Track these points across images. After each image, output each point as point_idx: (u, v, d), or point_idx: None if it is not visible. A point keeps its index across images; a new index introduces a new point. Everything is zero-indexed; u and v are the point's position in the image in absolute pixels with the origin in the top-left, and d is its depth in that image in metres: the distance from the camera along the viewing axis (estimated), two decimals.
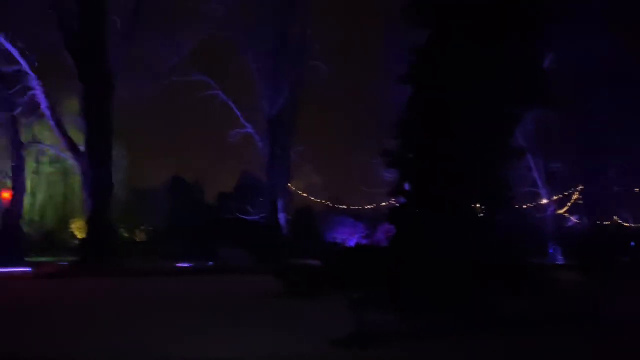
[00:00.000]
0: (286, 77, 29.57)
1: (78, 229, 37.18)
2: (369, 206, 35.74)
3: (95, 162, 22.33)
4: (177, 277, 19.52)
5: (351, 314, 9.96)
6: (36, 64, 22.84)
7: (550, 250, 32.26)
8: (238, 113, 31.56)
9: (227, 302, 12.34)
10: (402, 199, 13.18)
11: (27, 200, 30.66)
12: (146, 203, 39.40)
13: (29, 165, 30.86)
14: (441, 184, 12.03)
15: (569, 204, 35.12)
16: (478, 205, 12.80)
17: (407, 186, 12.93)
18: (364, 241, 36.06)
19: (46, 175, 33.89)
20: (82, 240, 24.37)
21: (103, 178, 22.34)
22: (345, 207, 36.92)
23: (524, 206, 32.49)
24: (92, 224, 22.47)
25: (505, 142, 12.39)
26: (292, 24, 30.24)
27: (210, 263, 24.84)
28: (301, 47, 30.64)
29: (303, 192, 33.62)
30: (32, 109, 24.93)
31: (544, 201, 34.07)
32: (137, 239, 42.83)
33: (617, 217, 36.81)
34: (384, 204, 35.01)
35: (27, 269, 21.17)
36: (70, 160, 26.43)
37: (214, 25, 30.07)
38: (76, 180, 30.44)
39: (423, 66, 12.32)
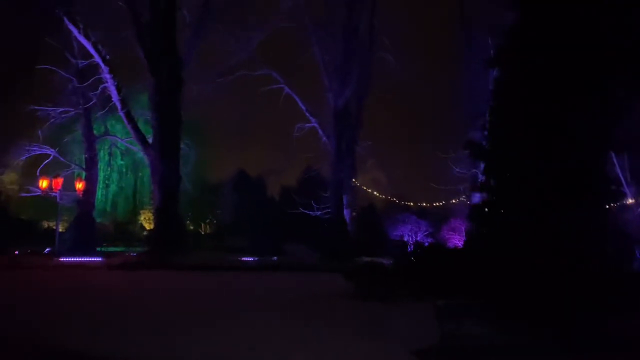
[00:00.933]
0: (353, 69, 28.68)
1: (147, 220, 38.38)
2: (436, 204, 34.24)
3: (163, 154, 22.48)
4: (244, 272, 19.17)
5: (434, 322, 9.04)
6: (108, 57, 23.23)
7: (638, 256, 29.54)
8: (303, 107, 31.04)
9: (298, 303, 11.68)
10: (485, 196, 11.98)
11: (99, 192, 31.70)
12: (212, 196, 39.91)
13: (102, 157, 31.92)
14: (532, 179, 10.76)
15: None
16: (572, 205, 11.41)
17: (492, 182, 11.74)
18: (428, 240, 34.60)
19: (118, 167, 34.86)
20: (149, 231, 24.67)
21: (171, 170, 22.46)
22: (411, 204, 35.60)
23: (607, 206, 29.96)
24: (159, 216, 22.67)
25: (610, 133, 10.87)
26: (360, 15, 29.24)
27: (275, 258, 24.45)
28: (369, 38, 29.63)
29: (367, 188, 32.56)
30: (105, 102, 25.50)
31: (630, 201, 31.30)
32: (203, 232, 43.70)
33: None
34: (453, 201, 33.49)
35: (100, 259, 21.60)
36: (140, 153, 26.97)
37: (281, 18, 29.71)
38: (146, 172, 31.20)
39: (514, 47, 11.06)
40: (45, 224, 34.66)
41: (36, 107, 25.72)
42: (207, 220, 45.08)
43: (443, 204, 36.87)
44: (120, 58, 24.72)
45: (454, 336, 7.80)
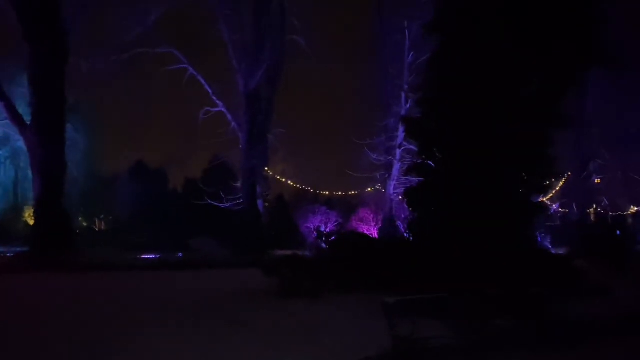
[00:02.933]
0: (265, 49, 26.75)
1: (31, 217, 34.22)
2: (352, 192, 33.57)
3: (43, 137, 19.16)
4: (143, 272, 16.70)
5: (377, 321, 7.66)
6: None
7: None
8: (209, 89, 28.60)
9: (214, 306, 9.72)
10: (422, 178, 10.88)
11: None
12: (107, 190, 36.33)
13: None
14: (475, 156, 9.80)
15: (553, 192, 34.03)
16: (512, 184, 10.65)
17: (430, 162, 10.64)
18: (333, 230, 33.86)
19: None
20: (32, 228, 21.21)
21: (53, 156, 19.21)
22: (325, 193, 34.59)
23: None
24: (40, 209, 19.38)
25: (554, 108, 10.14)
26: None
27: (180, 255, 22.04)
28: (279, 19, 27.84)
29: (281, 178, 30.94)
30: None
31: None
32: (97, 229, 40.06)
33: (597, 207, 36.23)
34: (369, 189, 33.01)
35: None
36: (22, 142, 23.24)
37: None
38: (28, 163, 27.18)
39: (453, 11, 9.98)
40: None
41: None
42: (102, 216, 41.39)
43: (357, 192, 36.40)
44: None
45: (407, 339, 6.43)
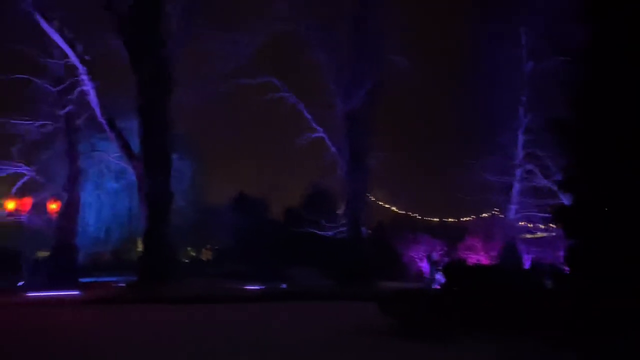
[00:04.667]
0: (364, 69, 25.69)
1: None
2: (465, 218, 31.03)
3: (150, 165, 19.34)
4: (247, 304, 15.78)
5: None
6: (88, 58, 20.21)
7: None
8: (308, 116, 27.96)
9: (330, 345, 8.28)
10: (575, 195, 8.78)
11: (92, 217, 28.84)
12: (212, 220, 36.96)
13: (91, 179, 28.95)
14: None
15: None
16: None
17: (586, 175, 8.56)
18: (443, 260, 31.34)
19: (110, 190, 31.90)
20: (138, 258, 21.38)
21: (160, 185, 19.26)
22: (435, 220, 32.32)
23: None
24: (148, 239, 19.40)
25: None
26: (371, 12, 26.40)
27: (284, 286, 21.08)
28: (377, 37, 26.71)
29: (384, 203, 29.25)
30: (83, 107, 22.36)
31: None
32: (204, 258, 40.92)
33: None
34: (484, 215, 30.43)
35: (76, 293, 18.24)
36: (133, 176, 23.91)
37: (279, 22, 26.93)
38: None
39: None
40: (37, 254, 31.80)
41: (11, 121, 22.60)
42: (208, 246, 42.40)
43: (468, 218, 33.90)
44: (101, 65, 21.72)
45: None
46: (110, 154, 26.67)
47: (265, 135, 35.78)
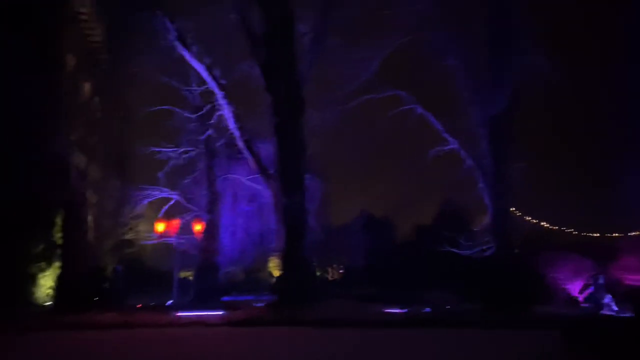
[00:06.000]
0: (502, 75, 23.66)
1: (274, 267, 36.72)
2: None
3: (286, 185, 19.31)
4: (391, 329, 14.65)
5: None
6: (224, 82, 20.93)
7: None
8: (439, 127, 26.42)
9: None
10: None
11: (227, 238, 30.25)
12: (337, 239, 36.76)
13: (228, 203, 30.35)
14: None
15: None
16: None
17: None
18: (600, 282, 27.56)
19: (243, 213, 33.32)
20: (277, 278, 21.48)
21: (296, 204, 19.12)
22: (597, 235, 28.90)
23: None
24: (286, 259, 19.21)
25: None
26: (509, 12, 24.42)
27: (428, 310, 19.66)
28: (519, 38, 24.49)
29: (532, 219, 26.61)
30: (219, 132, 23.37)
31: None
32: (330, 278, 40.87)
33: None
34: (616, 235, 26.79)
35: (221, 313, 18.48)
36: (266, 198, 24.46)
37: (405, 32, 25.94)
38: (273, 217, 28.95)
39: None
40: (181, 274, 34.12)
41: (156, 149, 24.34)
42: (334, 266, 42.33)
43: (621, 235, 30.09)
44: (233, 90, 22.50)
45: None
46: (244, 177, 27.76)
47: (391, 151, 34.90)
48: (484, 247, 22.93)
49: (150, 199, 24.84)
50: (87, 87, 20.17)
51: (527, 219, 27.40)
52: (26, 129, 16.53)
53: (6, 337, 12.79)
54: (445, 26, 25.04)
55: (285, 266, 19.56)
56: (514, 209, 25.18)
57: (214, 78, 20.60)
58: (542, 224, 28.16)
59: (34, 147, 16.86)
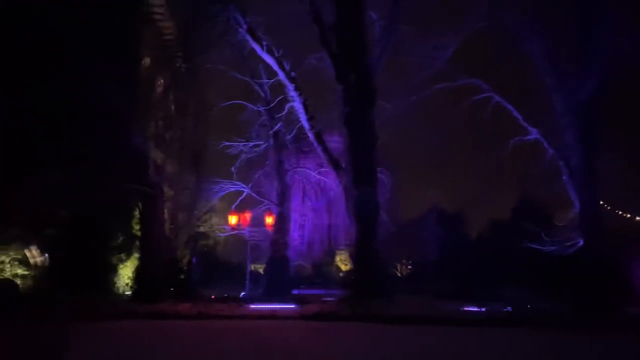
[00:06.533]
0: (590, 60, 21.84)
1: (341, 261, 36.87)
2: None
3: (357, 177, 18.85)
4: (468, 327, 13.86)
5: None
6: (294, 74, 20.76)
7: None
8: (519, 116, 24.89)
9: None
10: None
11: (296, 232, 30.67)
12: (407, 233, 35.97)
13: (297, 196, 30.58)
14: None
15: None
16: None
17: None
18: None
19: (311, 207, 33.48)
20: (346, 273, 21.10)
21: (367, 197, 18.62)
22: None
23: None
24: (360, 252, 18.77)
25: None
26: None
27: (509, 309, 18.59)
28: (608, 18, 22.45)
29: (623, 213, 24.51)
30: (289, 125, 23.32)
31: None
32: (399, 274, 40.25)
33: None
34: None
35: (293, 306, 18.40)
36: (333, 192, 24.31)
37: (482, 18, 24.61)
38: (340, 211, 28.83)
39: None
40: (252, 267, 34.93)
41: (228, 143, 24.74)
42: (403, 261, 41.70)
43: None
44: (306, 83, 22.30)
45: None
46: (313, 170, 27.71)
47: (465, 143, 33.51)
48: (569, 244, 21.32)
49: (223, 193, 25.27)
50: (162, 83, 20.65)
51: (619, 212, 25.20)
52: (106, 125, 17.12)
53: (88, 323, 13.31)
54: (526, 9, 23.56)
55: (357, 260, 19.12)
56: (603, 202, 23.24)
57: (285, 71, 20.48)
58: (637, 218, 25.82)
59: (115, 143, 17.44)
